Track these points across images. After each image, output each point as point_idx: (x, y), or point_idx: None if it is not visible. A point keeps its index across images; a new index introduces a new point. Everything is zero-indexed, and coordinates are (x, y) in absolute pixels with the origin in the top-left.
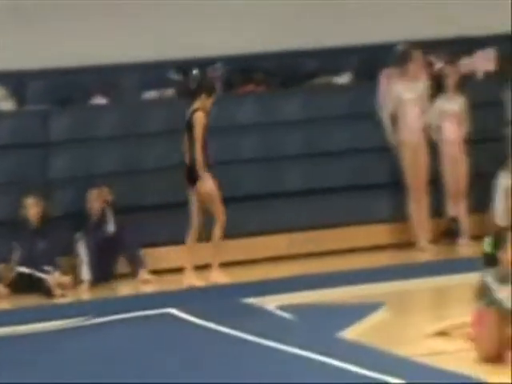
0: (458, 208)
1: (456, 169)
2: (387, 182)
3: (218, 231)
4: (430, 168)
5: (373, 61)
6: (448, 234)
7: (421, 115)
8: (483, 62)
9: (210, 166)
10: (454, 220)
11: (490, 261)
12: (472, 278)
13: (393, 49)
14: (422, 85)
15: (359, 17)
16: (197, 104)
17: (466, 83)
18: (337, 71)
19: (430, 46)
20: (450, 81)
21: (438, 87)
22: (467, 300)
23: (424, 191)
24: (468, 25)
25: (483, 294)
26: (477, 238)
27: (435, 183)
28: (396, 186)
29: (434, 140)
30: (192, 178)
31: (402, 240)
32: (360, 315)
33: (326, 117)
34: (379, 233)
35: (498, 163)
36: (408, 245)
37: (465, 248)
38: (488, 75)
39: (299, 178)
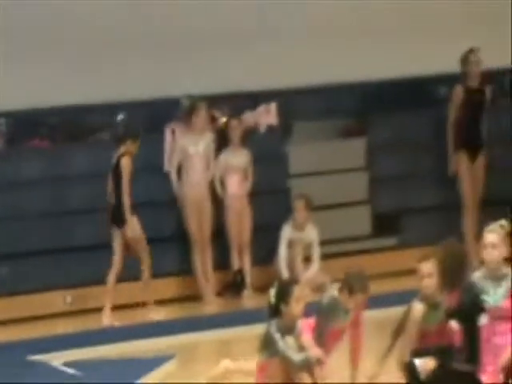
0: (242, 260)
1: (240, 221)
2: (173, 235)
3: (146, 271)
4: (215, 221)
5: (158, 114)
6: (233, 286)
7: (206, 169)
8: (265, 116)
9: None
10: (239, 272)
11: (274, 312)
12: (257, 330)
13: (178, 103)
14: (207, 138)
15: (144, 70)
16: (123, 148)
17: (250, 137)
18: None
19: (213, 100)
20: (234, 134)
21: (222, 141)
22: (252, 351)
23: (207, 244)
24: (251, 80)
25: (267, 344)
26: (261, 289)
27: (219, 236)
28: (182, 238)
29: (218, 193)
30: (117, 219)
31: (188, 293)
32: (149, 368)
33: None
34: (167, 286)
35: (282, 215)
36: (194, 298)
37: (249, 300)
38: (270, 128)
39: (87, 233)
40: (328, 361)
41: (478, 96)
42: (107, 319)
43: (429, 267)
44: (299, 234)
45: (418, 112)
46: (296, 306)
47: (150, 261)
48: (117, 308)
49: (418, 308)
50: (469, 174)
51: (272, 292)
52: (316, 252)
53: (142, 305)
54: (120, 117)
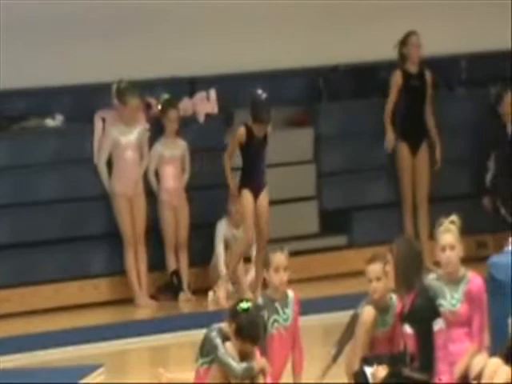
0: (178, 260)
1: (176, 218)
2: (104, 234)
3: None
4: (149, 218)
5: (87, 102)
6: (168, 288)
7: (139, 161)
8: (204, 104)
9: None
10: (175, 273)
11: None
12: (195, 336)
13: (109, 89)
14: (140, 128)
15: (72, 54)
16: None
17: (187, 126)
18: (48, 113)
19: (147, 86)
20: (170, 124)
21: (157, 131)
22: (190, 359)
23: (141, 242)
24: (189, 64)
25: (207, 351)
26: (199, 292)
27: (154, 234)
28: (114, 237)
29: (152, 188)
30: None
31: (120, 296)
32: (73, 379)
33: (35, 163)
34: (95, 288)
35: (222, 212)
36: (126, 301)
37: (186, 304)
38: (210, 117)
39: (6, 231)
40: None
41: (418, 82)
42: None
43: (377, 270)
44: (236, 232)
45: (370, 101)
46: (275, 275)
47: None
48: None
49: (368, 312)
50: (410, 168)
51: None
52: (254, 250)
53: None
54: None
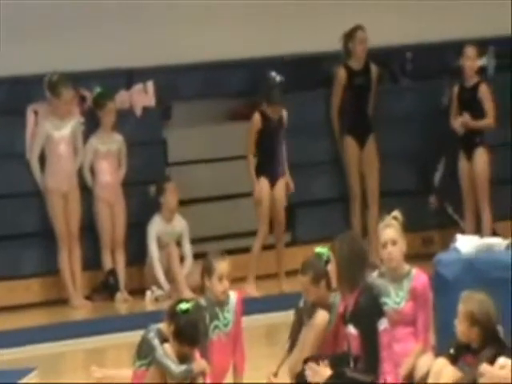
0: (115, 259)
1: (112, 215)
2: (36, 231)
3: None
4: (84, 215)
5: (19, 95)
6: (104, 288)
7: (73, 156)
8: (141, 96)
9: None
10: (111, 273)
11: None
12: (132, 337)
13: (41, 81)
14: (74, 121)
15: (7, 46)
16: None
17: (124, 119)
18: None
19: (82, 78)
20: (106, 117)
21: (92, 124)
22: (127, 361)
23: (75, 241)
24: (125, 55)
25: (144, 352)
26: (136, 292)
27: (90, 231)
28: (47, 235)
29: (87, 183)
30: None
31: (53, 297)
32: (8, 382)
33: None
34: (28, 289)
35: (153, 208)
36: (61, 302)
37: (123, 304)
38: (147, 110)
39: None
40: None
41: (362, 79)
42: None
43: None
44: (169, 227)
45: (315, 93)
46: (218, 284)
47: None
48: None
49: (322, 316)
50: (357, 162)
51: None
52: (187, 246)
53: None
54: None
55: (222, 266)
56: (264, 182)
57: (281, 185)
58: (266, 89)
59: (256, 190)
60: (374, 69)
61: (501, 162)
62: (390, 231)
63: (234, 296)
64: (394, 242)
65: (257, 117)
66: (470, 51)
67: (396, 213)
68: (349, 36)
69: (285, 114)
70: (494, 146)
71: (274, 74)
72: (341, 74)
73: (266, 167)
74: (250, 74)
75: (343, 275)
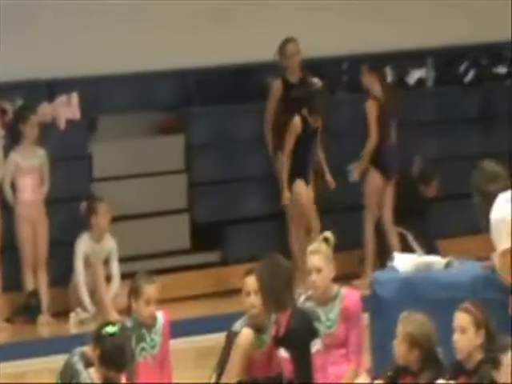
0: (37, 280)
1: (35, 234)
2: None
3: None
4: (4, 233)
5: None
6: (26, 310)
7: None
8: (65, 109)
9: None
10: (33, 294)
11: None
12: (55, 362)
13: None
14: None
15: None
16: None
17: (47, 133)
18: None
19: (3, 90)
20: (28, 130)
21: (13, 138)
22: None
23: None
24: (47, 65)
25: (69, 377)
26: (59, 314)
27: (10, 251)
28: None
29: (8, 200)
30: None
31: None
32: None
33: None
34: None
35: (80, 227)
36: None
37: (46, 327)
38: (71, 123)
39: None
40: None
41: (299, 92)
42: None
43: (255, 282)
44: (97, 247)
45: (247, 106)
46: (146, 308)
47: None
48: None
49: (245, 334)
50: None
51: None
52: (115, 267)
53: None
54: None
55: (150, 289)
56: (302, 184)
57: (310, 189)
58: (308, 95)
59: (296, 191)
60: (310, 81)
61: (442, 177)
62: (315, 259)
63: (161, 317)
64: (318, 270)
65: (297, 122)
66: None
67: (327, 233)
68: (280, 49)
69: (319, 123)
70: (437, 160)
71: (315, 80)
72: (276, 86)
73: (302, 171)
74: (178, 86)
75: (267, 297)
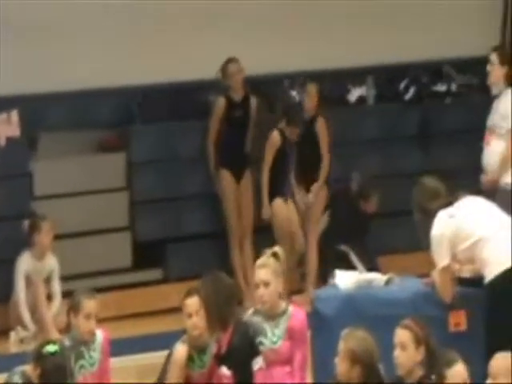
0: None
1: None
2: None
3: None
4: None
5: None
6: None
7: None
8: (5, 126)
9: None
10: None
11: None
12: None
13: None
14: None
15: None
16: None
17: None
18: None
19: None
20: None
21: None
22: None
23: None
24: None
25: None
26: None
27: None
28: None
29: None
30: None
31: None
32: None
33: None
34: None
35: (24, 245)
36: None
37: None
38: (11, 141)
39: None
40: None
41: (241, 111)
42: None
43: (195, 304)
44: (39, 265)
45: (188, 123)
46: (85, 323)
47: None
48: None
49: (179, 350)
50: (234, 197)
51: None
52: (57, 285)
53: None
54: None
55: (90, 304)
56: (281, 203)
57: (290, 205)
58: (286, 108)
59: (274, 208)
60: (253, 100)
61: (383, 194)
62: (263, 272)
63: (100, 335)
64: (266, 284)
65: (276, 136)
66: (312, 87)
67: (277, 248)
68: (222, 69)
69: (297, 135)
70: (377, 176)
71: (294, 92)
72: (220, 104)
73: (282, 188)
74: (120, 104)
75: (210, 315)
